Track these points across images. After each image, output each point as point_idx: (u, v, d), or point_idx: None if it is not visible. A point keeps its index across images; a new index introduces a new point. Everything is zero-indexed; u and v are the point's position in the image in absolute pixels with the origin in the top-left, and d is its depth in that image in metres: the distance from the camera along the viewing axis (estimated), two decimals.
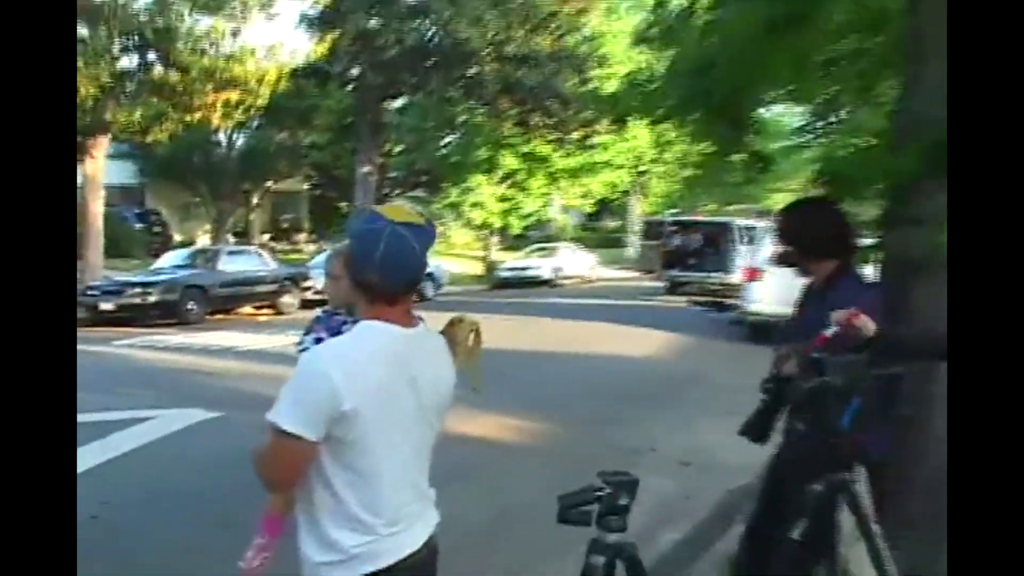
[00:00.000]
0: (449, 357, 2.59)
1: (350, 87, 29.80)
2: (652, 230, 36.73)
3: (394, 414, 2.35)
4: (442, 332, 2.64)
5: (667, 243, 29.63)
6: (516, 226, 38.86)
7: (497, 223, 38.08)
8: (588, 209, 47.43)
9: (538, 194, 38.69)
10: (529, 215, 39.18)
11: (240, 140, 33.57)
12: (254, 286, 21.40)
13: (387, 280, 2.33)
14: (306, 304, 22.40)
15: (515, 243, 42.49)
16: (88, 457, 7.66)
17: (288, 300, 22.07)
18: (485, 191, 36.77)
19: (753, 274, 18.23)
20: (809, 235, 3.69)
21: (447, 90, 27.87)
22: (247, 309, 21.66)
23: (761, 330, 18.03)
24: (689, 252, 28.44)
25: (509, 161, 35.87)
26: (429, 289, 27.12)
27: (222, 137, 33.26)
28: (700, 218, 33.41)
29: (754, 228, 19.95)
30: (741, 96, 4.17)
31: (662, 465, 8.01)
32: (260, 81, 21.43)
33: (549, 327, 19.63)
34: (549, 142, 33.57)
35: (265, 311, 21.78)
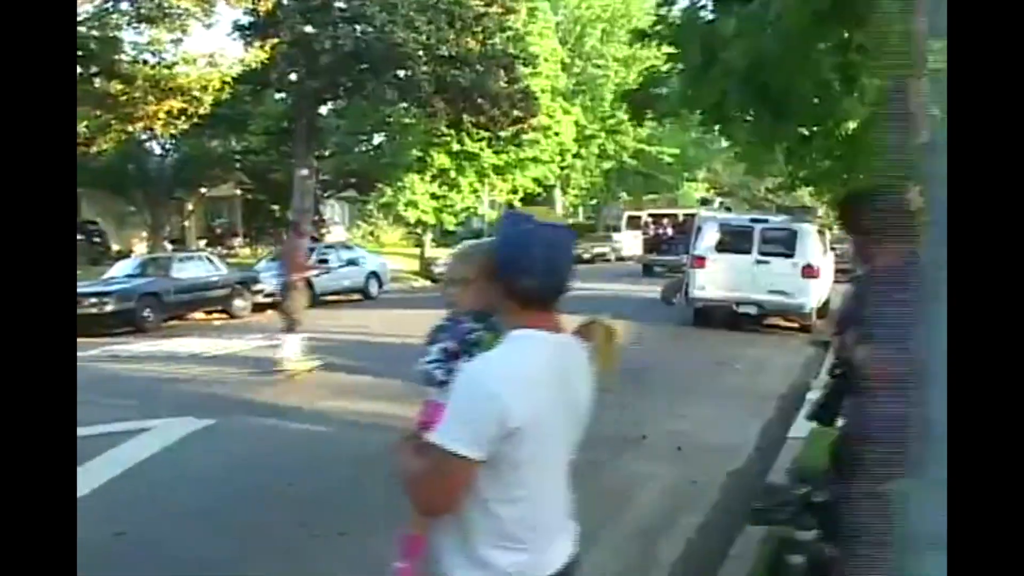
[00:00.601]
0: (589, 362, 2.42)
1: (286, 93, 29.87)
2: (633, 222, 40.48)
3: (553, 427, 2.25)
4: (575, 334, 2.47)
5: (646, 232, 34.10)
6: (449, 223, 39.25)
7: (431, 220, 38.42)
8: (516, 204, 48.00)
9: (469, 191, 39.13)
10: (461, 211, 39.60)
11: (175, 148, 33.30)
12: (207, 291, 21.40)
13: (544, 284, 2.22)
14: (257, 307, 22.48)
15: (446, 240, 42.81)
16: (103, 471, 7.63)
17: (240, 304, 22.10)
18: (418, 189, 37.08)
19: (698, 262, 18.87)
20: (870, 223, 3.54)
21: (384, 92, 28.05)
22: (199, 315, 21.65)
23: (703, 314, 18.77)
24: (662, 239, 32.32)
25: (441, 159, 36.30)
26: (374, 287, 27.32)
27: (155, 146, 33.00)
28: (671, 211, 39.18)
29: (714, 218, 20.48)
30: (792, 87, 4.39)
31: (657, 452, 8.24)
32: (204, 89, 21.41)
33: None
34: (480, 139, 34.06)
35: (218, 316, 21.79)
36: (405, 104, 30.36)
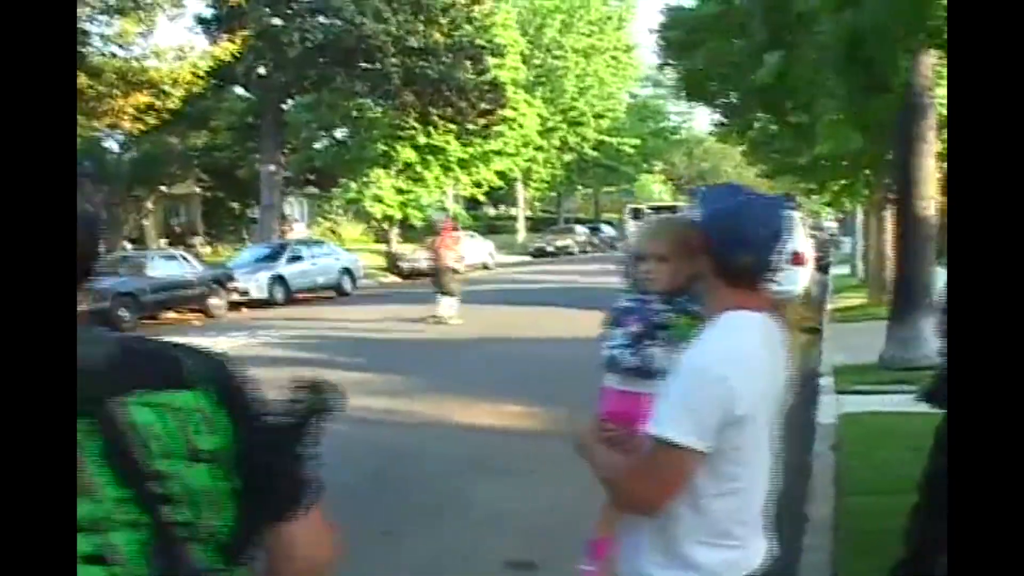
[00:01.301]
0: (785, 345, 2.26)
1: (252, 87, 29.38)
2: (635, 213, 41.04)
3: (766, 414, 2.11)
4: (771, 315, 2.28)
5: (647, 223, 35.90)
6: (416, 218, 38.93)
7: (397, 215, 38.08)
8: (479, 197, 47.83)
9: (435, 185, 38.87)
10: (427, 206, 39.31)
11: (133, 144, 32.61)
12: (182, 290, 20.96)
13: (760, 260, 2.07)
14: (233, 306, 22.13)
15: (411, 234, 42.49)
16: None
17: (216, 302, 21.72)
18: (384, 184, 36.73)
19: None
20: None
21: (353, 85, 27.77)
22: (173, 314, 21.23)
23: None
24: None
25: (406, 153, 35.94)
26: (347, 284, 26.96)
27: (113, 143, 32.27)
28: (669, 203, 42.23)
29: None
30: (895, 57, 4.35)
31: None
32: (174, 83, 20.98)
33: (498, 314, 19.57)
34: (447, 132, 33.80)
35: (194, 315, 21.37)
36: (373, 97, 30.07)
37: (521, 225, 50.88)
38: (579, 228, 48.27)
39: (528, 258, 43.60)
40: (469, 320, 17.54)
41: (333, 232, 45.09)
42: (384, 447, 8.22)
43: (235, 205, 37.48)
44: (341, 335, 16.89)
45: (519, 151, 41.67)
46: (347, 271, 27.34)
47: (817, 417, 8.48)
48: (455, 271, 17.91)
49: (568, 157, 50.70)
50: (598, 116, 50.21)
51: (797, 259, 18.09)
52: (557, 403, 9.41)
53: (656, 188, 69.40)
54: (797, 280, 17.87)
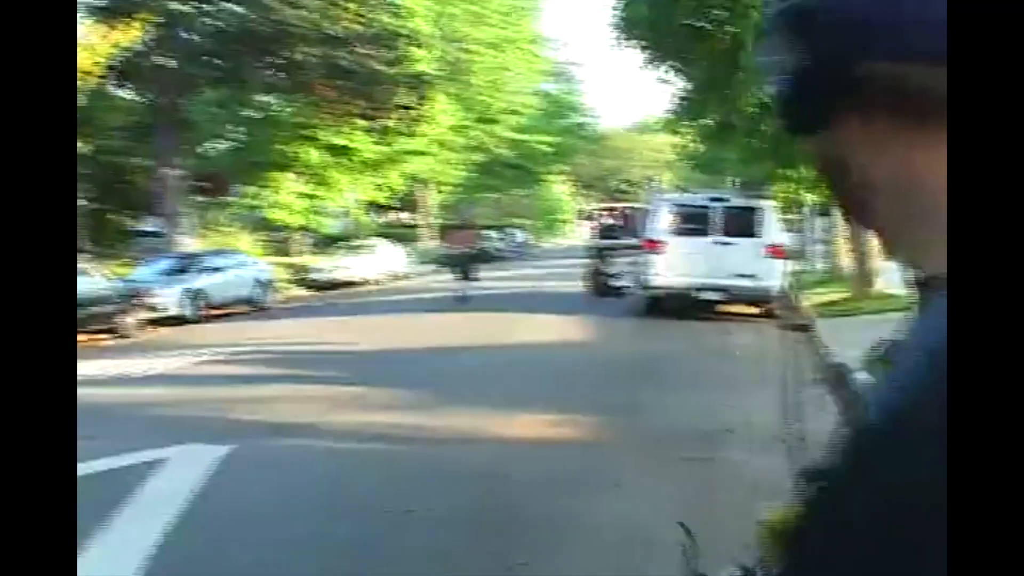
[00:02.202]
0: None
1: (149, 82, 26.90)
2: (586, 214, 42.88)
3: None
4: None
5: (599, 222, 35.89)
6: (321, 226, 36.81)
7: (299, 222, 35.85)
8: (385, 202, 45.74)
9: (340, 189, 36.75)
10: (333, 213, 37.28)
11: None
12: (90, 308, 18.53)
13: None
14: (149, 324, 19.98)
15: (314, 243, 40.35)
16: (140, 521, 6.11)
17: (129, 321, 19.43)
18: (286, 189, 34.49)
19: (652, 245, 17.96)
20: None
21: (262, 76, 25.83)
22: (80, 336, 18.93)
23: (659, 303, 17.98)
24: (613, 227, 34.89)
25: (312, 155, 33.64)
26: (263, 296, 24.96)
27: None
28: (613, 205, 42.01)
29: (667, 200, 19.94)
30: None
31: (756, 443, 7.61)
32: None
33: (441, 322, 18.90)
34: (359, 130, 31.75)
35: (103, 336, 19.05)
36: (286, 92, 28.16)
37: (426, 232, 48.90)
38: (492, 234, 46.70)
39: (427, 267, 41.26)
40: (419, 328, 17.23)
41: (226, 243, 42.53)
42: (455, 471, 7.40)
43: (124, 218, 34.39)
44: (298, 349, 15.68)
45: (432, 151, 39.79)
46: (261, 283, 25.37)
47: None
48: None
49: (478, 157, 49.05)
50: (511, 113, 48.85)
51: (775, 252, 17.29)
52: (575, 410, 9.53)
53: (557, 189, 69.16)
54: (775, 274, 17.07)
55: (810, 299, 19.16)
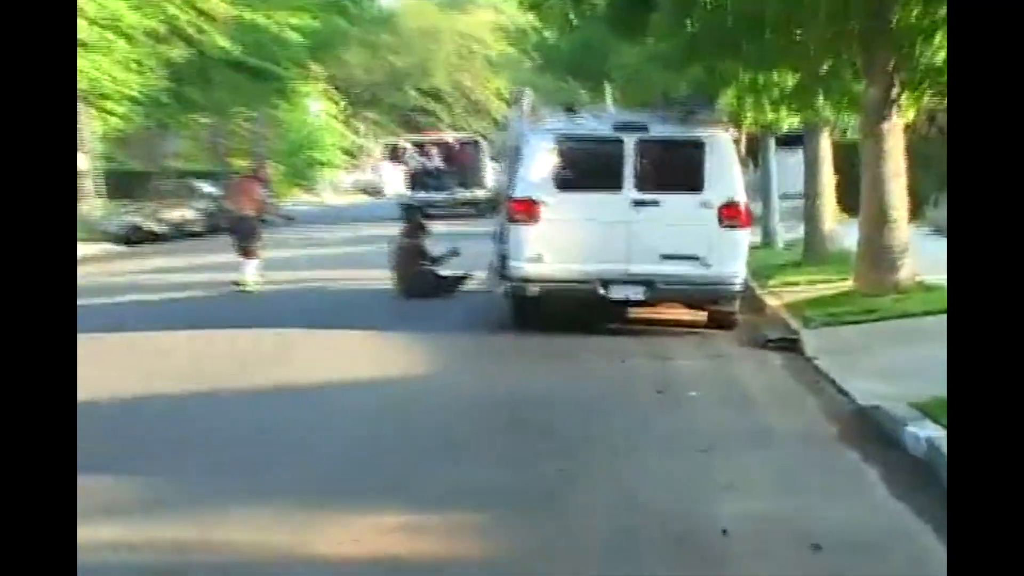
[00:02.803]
0: None
1: None
2: (391, 152, 32.99)
3: None
4: None
5: (408, 165, 29.20)
6: None
7: None
8: None
9: None
10: None
11: None
12: None
13: None
14: None
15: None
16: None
17: None
18: None
19: (523, 209, 10.44)
20: None
21: None
22: None
23: (535, 305, 10.63)
24: (430, 172, 28.10)
25: None
26: None
27: None
28: (436, 137, 34.42)
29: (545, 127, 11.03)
30: None
31: (773, 558, 4.36)
32: None
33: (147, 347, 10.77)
34: None
35: None
36: None
37: (90, 184, 28.50)
38: (201, 186, 29.31)
39: (113, 247, 24.47)
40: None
41: None
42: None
43: None
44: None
45: (92, 41, 22.81)
46: None
47: None
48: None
49: (177, 53, 28.89)
50: None
51: (731, 213, 10.18)
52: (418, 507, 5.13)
53: (314, 108, 48.10)
54: (737, 253, 10.34)
55: (784, 294, 12.39)
